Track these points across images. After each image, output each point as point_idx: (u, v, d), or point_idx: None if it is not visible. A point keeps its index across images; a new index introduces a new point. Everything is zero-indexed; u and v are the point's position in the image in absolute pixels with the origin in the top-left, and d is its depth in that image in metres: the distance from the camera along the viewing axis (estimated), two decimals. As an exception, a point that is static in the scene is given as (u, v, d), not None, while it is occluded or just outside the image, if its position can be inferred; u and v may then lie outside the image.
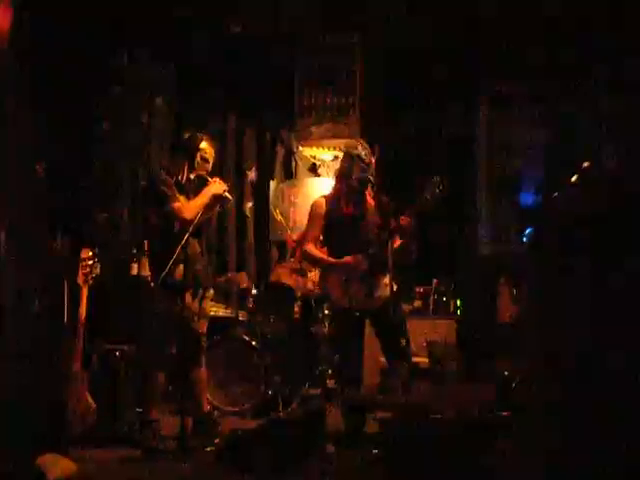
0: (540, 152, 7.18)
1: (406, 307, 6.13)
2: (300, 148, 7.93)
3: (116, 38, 6.73)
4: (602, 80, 6.62)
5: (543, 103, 7.18)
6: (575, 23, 6.49)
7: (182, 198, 4.86)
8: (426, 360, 5.23)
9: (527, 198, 7.06)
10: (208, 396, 5.45)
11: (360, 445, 4.75)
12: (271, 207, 8.10)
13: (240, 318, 6.37)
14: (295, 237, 7.18)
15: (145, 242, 6.26)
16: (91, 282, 5.02)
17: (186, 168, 4.96)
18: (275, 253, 8.17)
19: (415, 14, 7.01)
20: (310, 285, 6.57)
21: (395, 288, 4.92)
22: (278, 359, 6.04)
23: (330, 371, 6.19)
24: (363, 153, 4.94)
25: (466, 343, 5.77)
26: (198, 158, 4.96)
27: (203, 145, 4.97)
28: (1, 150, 5.42)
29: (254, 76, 7.93)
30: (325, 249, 5.14)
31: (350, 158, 4.98)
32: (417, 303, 6.33)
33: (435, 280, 6.45)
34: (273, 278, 7.11)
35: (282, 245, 8.11)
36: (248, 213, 8.02)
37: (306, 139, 7.74)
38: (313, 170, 8.24)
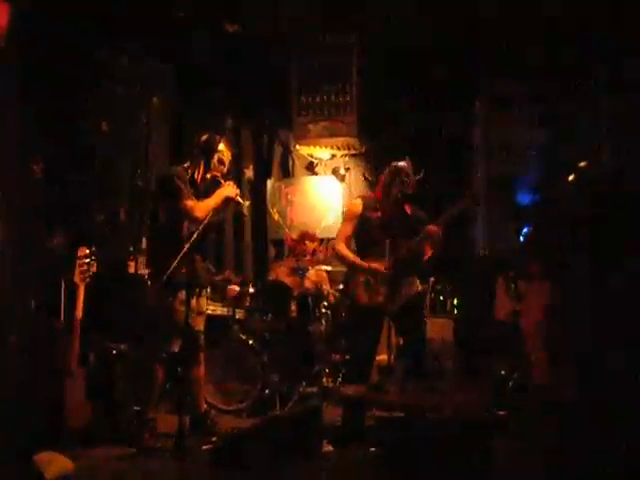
0: (538, 152, 7.17)
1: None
2: (297, 147, 7.94)
3: (114, 36, 6.70)
4: (602, 80, 6.62)
5: (542, 103, 7.17)
6: (575, 23, 6.49)
7: (194, 197, 4.88)
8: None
9: (525, 197, 7.05)
10: (205, 395, 5.43)
11: (357, 443, 4.76)
12: (268, 206, 8.10)
13: (237, 317, 6.35)
14: (295, 236, 7.16)
15: (144, 240, 6.25)
16: (88, 280, 5.00)
17: (202, 168, 4.99)
18: (273, 252, 8.16)
19: (414, 14, 7.01)
20: (308, 284, 6.57)
21: (419, 288, 5.19)
22: (275, 357, 6.03)
23: (327, 370, 6.20)
24: (406, 168, 5.09)
25: (463, 342, 5.77)
26: (215, 159, 4.99)
27: (221, 147, 5.01)
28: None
29: (252, 75, 7.92)
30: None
31: (392, 171, 5.12)
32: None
33: (432, 279, 6.44)
34: (272, 277, 7.11)
35: (279, 244, 8.11)
36: (245, 212, 7.99)
37: (303, 138, 7.74)
38: (310, 169, 8.24)
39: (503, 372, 5.34)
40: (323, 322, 6.19)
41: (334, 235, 5.58)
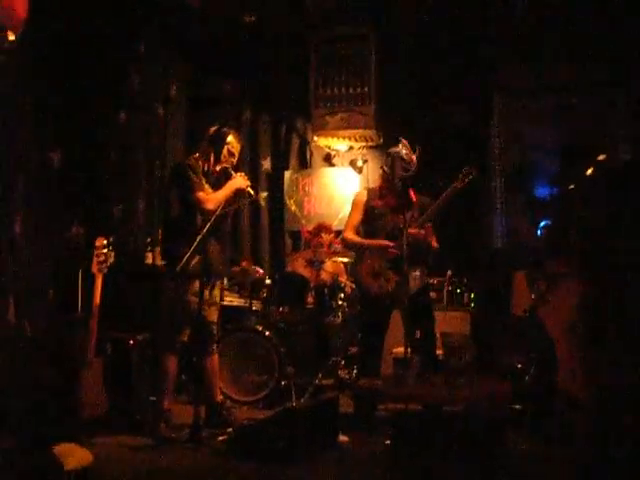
0: (556, 144, 7.11)
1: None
2: (315, 138, 7.89)
3: (132, 26, 6.70)
4: (618, 69, 6.56)
5: (559, 94, 7.10)
6: (591, 10, 6.44)
7: (207, 187, 4.92)
8: (439, 352, 5.19)
9: (542, 191, 7.00)
10: (221, 386, 5.44)
11: (370, 433, 4.76)
12: (286, 197, 8.08)
13: (254, 308, 6.35)
14: (311, 228, 7.15)
15: (159, 231, 6.26)
16: (105, 271, 5.02)
17: (212, 159, 5.01)
18: (289, 243, 8.15)
19: (430, 4, 6.97)
20: (324, 276, 6.55)
21: (427, 280, 5.22)
22: (291, 349, 6.03)
23: (343, 361, 6.19)
24: (404, 152, 5.11)
25: (480, 335, 5.74)
26: (225, 151, 5.02)
27: (230, 139, 5.03)
28: (17, 140, 5.43)
29: (269, 66, 7.91)
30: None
31: (392, 158, 5.14)
32: (432, 294, 6.29)
33: (449, 272, 6.41)
34: (288, 268, 7.10)
35: (296, 235, 8.09)
36: (262, 203, 8.00)
37: (321, 129, 7.69)
38: (328, 160, 8.21)
39: (519, 366, 5.31)
40: (339, 314, 6.17)
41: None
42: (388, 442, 4.30)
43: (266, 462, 4.20)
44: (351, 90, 7.54)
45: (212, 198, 4.83)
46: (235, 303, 6.50)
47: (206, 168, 5.00)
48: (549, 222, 5.29)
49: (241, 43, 7.59)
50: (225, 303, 6.18)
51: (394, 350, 5.71)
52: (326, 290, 6.25)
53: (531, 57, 7.01)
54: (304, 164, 8.30)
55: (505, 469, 4.00)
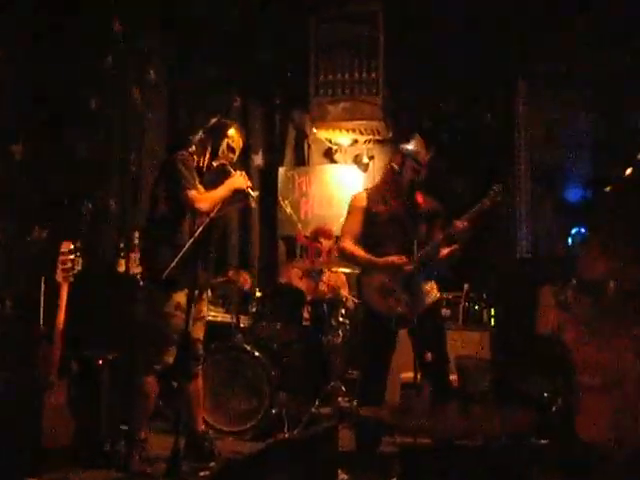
0: (588, 141, 7.12)
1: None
2: (314, 130, 7.91)
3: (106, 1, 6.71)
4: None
5: (592, 86, 7.11)
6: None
7: (200, 187, 4.90)
8: (454, 377, 5.19)
9: (573, 193, 7.01)
10: (203, 413, 5.43)
11: (375, 471, 4.75)
12: (280, 198, 8.09)
13: (241, 324, 6.34)
14: (308, 233, 7.15)
15: (136, 234, 6.25)
16: (72, 279, 5.00)
17: (208, 155, 5.00)
18: (283, 251, 8.15)
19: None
20: (323, 288, 6.55)
21: (438, 295, 5.12)
22: (284, 372, 6.02)
23: (343, 387, 6.19)
24: (418, 151, 5.04)
25: (501, 359, 5.74)
26: (224, 146, 5.00)
27: (232, 132, 5.02)
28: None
29: (263, 48, 7.91)
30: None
31: (402, 155, 5.08)
32: (445, 311, 6.30)
33: (466, 285, 6.41)
34: (282, 279, 7.10)
35: (291, 241, 8.10)
36: (253, 204, 7.97)
37: (321, 120, 7.71)
38: (328, 156, 8.23)
39: (546, 394, 5.30)
40: (340, 333, 6.18)
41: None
42: (394, 480, 4.29)
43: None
44: (356, 75, 7.54)
45: (207, 198, 4.81)
46: (220, 318, 6.49)
47: (201, 164, 4.99)
48: (582, 229, 5.30)
49: (230, 22, 7.59)
50: (209, 319, 6.17)
51: (402, 375, 5.71)
52: (325, 305, 6.27)
53: (564, 37, 7.00)
54: (301, 160, 8.32)
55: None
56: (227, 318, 6.51)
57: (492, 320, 6.31)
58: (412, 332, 4.96)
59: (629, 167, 4.79)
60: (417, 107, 7.66)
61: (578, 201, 6.91)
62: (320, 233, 6.97)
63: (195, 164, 4.95)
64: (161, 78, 7.59)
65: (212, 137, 5.00)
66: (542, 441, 4.92)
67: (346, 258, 5.33)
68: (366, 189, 5.39)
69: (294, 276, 6.87)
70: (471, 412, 4.23)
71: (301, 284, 6.60)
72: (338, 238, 6.41)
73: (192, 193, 4.78)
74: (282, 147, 8.31)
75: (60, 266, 4.99)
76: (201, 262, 4.91)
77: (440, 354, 4.99)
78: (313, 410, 5.91)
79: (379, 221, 5.07)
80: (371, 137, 7.95)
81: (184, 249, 4.59)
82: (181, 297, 4.77)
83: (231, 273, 6.60)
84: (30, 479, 4.31)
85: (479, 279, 6.51)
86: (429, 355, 4.92)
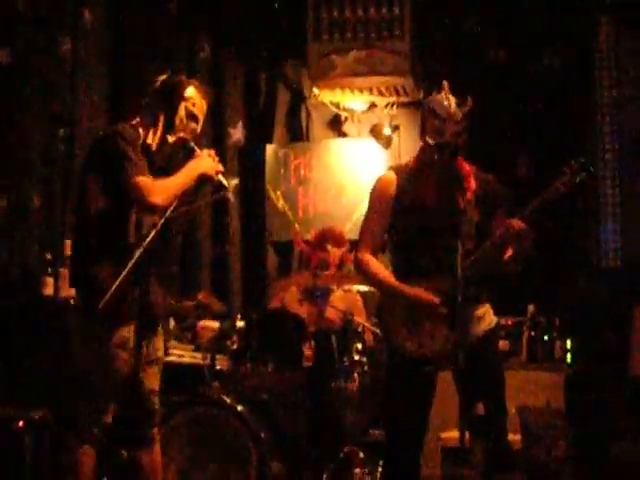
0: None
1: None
2: (315, 91, 7.93)
3: None
4: None
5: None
6: None
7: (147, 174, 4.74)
8: (516, 437, 5.23)
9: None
10: (165, 493, 5.48)
11: None
12: (268, 187, 8.13)
13: (217, 367, 6.38)
14: (309, 237, 7.17)
15: (68, 242, 6.29)
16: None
17: (160, 127, 4.91)
18: (274, 263, 8.18)
19: None
20: (331, 314, 6.58)
21: (494, 321, 5.05)
22: (277, 434, 6.03)
23: (362, 454, 6.21)
24: (447, 104, 4.95)
25: (581, 411, 5.78)
26: (182, 112, 4.90)
27: (191, 93, 4.93)
28: None
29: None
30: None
31: (429, 108, 4.99)
32: (502, 344, 6.32)
33: (531, 307, 6.44)
34: (273, 303, 7.11)
35: (286, 249, 8.13)
36: (231, 197, 8.02)
37: (325, 76, 7.71)
38: (335, 126, 8.26)
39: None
40: (355, 376, 6.20)
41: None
42: None
43: None
44: (373, 12, 7.55)
45: (160, 187, 4.66)
46: (187, 359, 6.53)
47: (149, 140, 4.90)
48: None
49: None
50: (171, 359, 6.21)
51: (442, 435, 5.74)
52: (334, 338, 6.27)
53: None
54: (298, 134, 8.36)
55: None
56: (197, 359, 6.55)
57: (568, 355, 6.34)
58: (457, 375, 4.87)
59: None
60: (458, 55, 7.67)
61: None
62: (327, 237, 6.93)
63: (141, 141, 4.85)
64: (99, 20, 7.60)
65: (163, 102, 4.92)
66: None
67: (364, 275, 5.28)
68: (394, 167, 5.31)
69: (291, 298, 6.87)
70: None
71: (300, 309, 6.60)
72: (355, 243, 6.38)
73: (140, 180, 4.62)
74: (270, 116, 8.34)
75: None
76: (155, 280, 4.95)
77: (496, 405, 5.00)
78: (319, 486, 5.97)
79: (415, 216, 5.04)
80: (395, 99, 7.97)
81: (129, 264, 4.38)
82: (127, 331, 4.77)
83: (202, 296, 6.62)
84: None
85: (549, 298, 6.54)
86: (480, 407, 4.94)
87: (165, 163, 4.95)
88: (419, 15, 7.51)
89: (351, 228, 7.49)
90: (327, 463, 6.04)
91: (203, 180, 4.87)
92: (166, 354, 5.72)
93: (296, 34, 7.77)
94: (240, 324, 6.42)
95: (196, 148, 4.90)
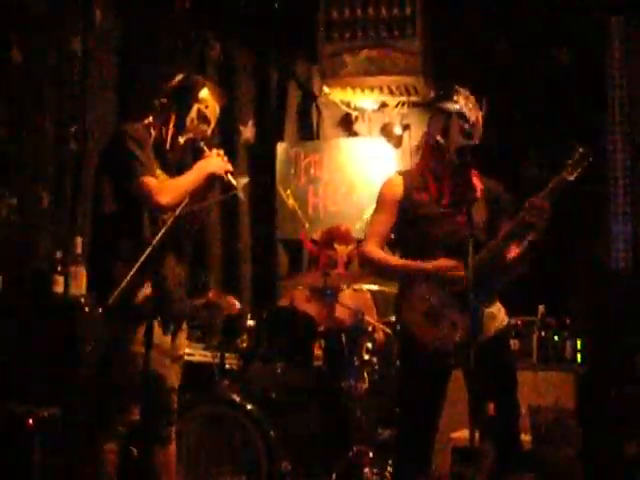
0: None
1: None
2: (326, 90, 7.94)
3: None
4: None
5: None
6: None
7: (160, 172, 4.83)
8: (526, 437, 5.22)
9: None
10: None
11: None
12: (278, 185, 8.14)
13: (227, 366, 6.38)
14: (318, 236, 7.17)
15: (78, 240, 6.29)
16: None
17: (172, 127, 4.93)
18: (284, 261, 8.19)
19: None
20: (341, 313, 6.58)
21: (506, 321, 5.04)
22: (287, 433, 6.03)
23: (372, 453, 6.20)
24: (463, 106, 4.95)
25: (592, 411, 5.77)
26: (193, 114, 4.93)
27: (204, 95, 4.96)
28: None
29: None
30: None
31: (443, 115, 4.99)
32: (512, 344, 6.31)
33: (541, 307, 6.43)
34: (283, 302, 7.12)
35: (296, 248, 8.13)
36: (242, 195, 8.02)
37: (336, 76, 7.73)
38: (346, 125, 8.27)
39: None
40: (366, 376, 6.20)
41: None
42: None
43: None
44: (384, 12, 7.56)
45: (170, 187, 4.72)
46: (197, 358, 6.52)
47: (161, 140, 4.93)
48: None
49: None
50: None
51: (453, 435, 5.74)
52: (344, 337, 6.27)
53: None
54: (308, 132, 8.37)
55: None
56: (207, 357, 6.53)
57: (578, 356, 6.33)
58: (468, 374, 4.89)
59: None
60: (470, 54, 7.67)
61: None
62: (333, 236, 6.94)
63: (153, 141, 4.88)
64: (110, 20, 7.60)
65: (176, 102, 4.94)
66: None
67: (370, 266, 5.27)
68: (401, 171, 5.34)
69: (300, 297, 6.87)
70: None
71: (310, 308, 6.60)
72: (360, 242, 6.36)
73: (149, 180, 4.67)
74: (281, 115, 8.35)
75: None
76: (174, 279, 4.93)
77: (508, 405, 4.99)
78: (329, 485, 5.96)
79: (420, 217, 5.02)
80: (405, 98, 7.97)
81: (140, 261, 4.35)
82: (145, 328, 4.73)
83: (212, 294, 6.61)
84: None
85: (559, 298, 6.53)
86: (492, 406, 4.93)
87: (178, 162, 4.99)
88: (430, 15, 7.49)
89: (361, 227, 7.49)
90: (337, 462, 6.03)
91: (212, 180, 4.90)
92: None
93: (307, 33, 7.77)
94: (250, 323, 6.42)
95: (205, 148, 4.93)
